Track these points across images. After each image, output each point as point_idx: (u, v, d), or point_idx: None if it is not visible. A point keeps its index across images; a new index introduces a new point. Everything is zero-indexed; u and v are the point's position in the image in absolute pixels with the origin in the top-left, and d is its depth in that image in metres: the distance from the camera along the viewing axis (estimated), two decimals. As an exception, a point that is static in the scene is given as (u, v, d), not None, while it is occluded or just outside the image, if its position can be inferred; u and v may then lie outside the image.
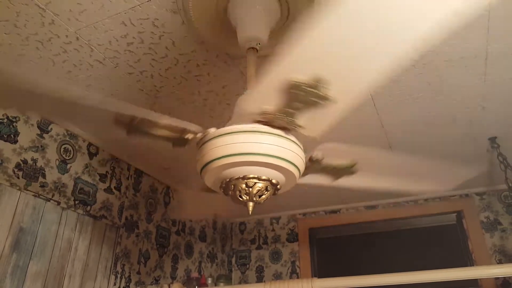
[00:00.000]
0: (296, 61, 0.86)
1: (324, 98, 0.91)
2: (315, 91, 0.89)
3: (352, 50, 0.83)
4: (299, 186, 1.19)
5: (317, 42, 0.82)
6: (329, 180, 1.32)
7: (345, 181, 1.34)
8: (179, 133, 1.07)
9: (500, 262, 2.75)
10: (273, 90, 0.91)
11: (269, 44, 1.46)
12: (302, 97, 0.91)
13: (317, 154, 1.18)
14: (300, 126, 1.00)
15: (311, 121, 0.99)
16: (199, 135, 1.06)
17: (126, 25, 1.51)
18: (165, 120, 1.05)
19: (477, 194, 3.00)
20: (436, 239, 3.06)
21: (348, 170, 1.28)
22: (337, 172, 1.28)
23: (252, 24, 1.27)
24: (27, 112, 1.85)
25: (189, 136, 1.07)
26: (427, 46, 1.61)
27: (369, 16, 0.77)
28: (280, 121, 0.99)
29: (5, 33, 1.54)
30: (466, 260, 2.86)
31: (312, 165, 1.18)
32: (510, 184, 2.35)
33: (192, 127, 1.06)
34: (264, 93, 0.94)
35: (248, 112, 0.99)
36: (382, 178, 1.40)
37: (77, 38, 1.57)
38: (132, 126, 1.07)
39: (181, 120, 1.06)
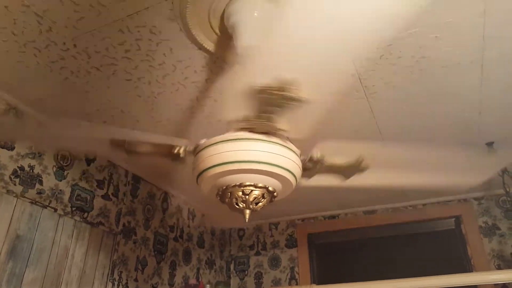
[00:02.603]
0: (261, 65, 0.86)
1: (296, 100, 0.90)
2: (284, 93, 0.88)
3: (321, 50, 0.82)
4: (296, 192, 1.18)
5: (283, 43, 0.81)
6: (340, 180, 1.25)
7: (358, 180, 1.27)
8: (168, 150, 1.08)
9: (499, 267, 2.75)
10: (241, 97, 0.91)
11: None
12: (274, 100, 0.90)
13: (316, 153, 1.15)
14: (282, 129, 1.00)
15: (294, 123, 0.99)
16: (189, 147, 1.07)
17: (123, 33, 1.51)
18: (150, 138, 1.07)
19: (475, 199, 3.00)
20: (435, 244, 3.06)
21: (356, 167, 1.21)
22: (345, 170, 1.22)
23: (249, 31, 1.28)
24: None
25: (179, 150, 1.09)
26: (423, 52, 1.63)
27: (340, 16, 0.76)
28: (261, 126, 0.99)
29: (2, 40, 1.54)
30: (465, 265, 2.85)
31: (315, 165, 1.16)
32: (508, 189, 2.36)
33: (179, 141, 1.07)
34: (233, 101, 0.93)
35: (228, 121, 0.99)
36: (397, 174, 1.31)
37: (75, 45, 1.57)
38: (126, 148, 1.11)
39: (166, 137, 1.08)
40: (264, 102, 0.92)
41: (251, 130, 1.00)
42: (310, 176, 1.19)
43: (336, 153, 1.18)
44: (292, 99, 0.89)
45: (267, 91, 0.88)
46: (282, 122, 0.99)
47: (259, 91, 0.88)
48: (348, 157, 1.20)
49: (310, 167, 1.15)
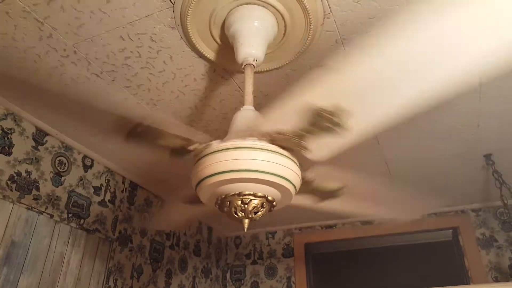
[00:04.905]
0: (323, 88, 0.91)
1: (341, 127, 0.95)
2: (335, 118, 0.93)
3: (375, 86, 0.89)
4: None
5: (347, 73, 0.87)
6: (314, 201, 1.33)
7: (326, 204, 1.37)
8: (184, 143, 1.07)
9: (496, 279, 2.73)
10: (294, 112, 0.95)
11: (266, 59, 1.47)
12: (320, 122, 0.95)
13: (309, 175, 1.18)
14: (307, 149, 1.03)
15: (318, 146, 1.02)
16: (201, 146, 1.05)
17: (124, 40, 1.51)
18: (173, 128, 1.06)
19: (472, 210, 3.00)
20: (432, 256, 3.05)
21: (333, 193, 1.30)
22: (323, 194, 1.30)
23: (250, 41, 1.28)
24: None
25: (193, 147, 1.07)
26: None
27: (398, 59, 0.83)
28: (289, 142, 1.01)
29: (3, 46, 1.54)
30: (462, 278, 2.84)
31: (302, 185, 1.18)
32: (506, 201, 2.36)
33: (198, 137, 1.06)
34: (285, 114, 0.97)
35: (262, 131, 1.01)
36: (361, 204, 1.45)
37: (75, 52, 1.57)
38: (135, 132, 1.08)
39: (189, 128, 1.07)
40: (311, 121, 0.96)
41: (276, 143, 1.02)
42: None
43: (325, 177, 1.24)
44: (338, 125, 0.95)
45: (321, 112, 0.93)
46: (311, 143, 1.02)
47: (314, 110, 0.93)
48: (333, 183, 1.27)
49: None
